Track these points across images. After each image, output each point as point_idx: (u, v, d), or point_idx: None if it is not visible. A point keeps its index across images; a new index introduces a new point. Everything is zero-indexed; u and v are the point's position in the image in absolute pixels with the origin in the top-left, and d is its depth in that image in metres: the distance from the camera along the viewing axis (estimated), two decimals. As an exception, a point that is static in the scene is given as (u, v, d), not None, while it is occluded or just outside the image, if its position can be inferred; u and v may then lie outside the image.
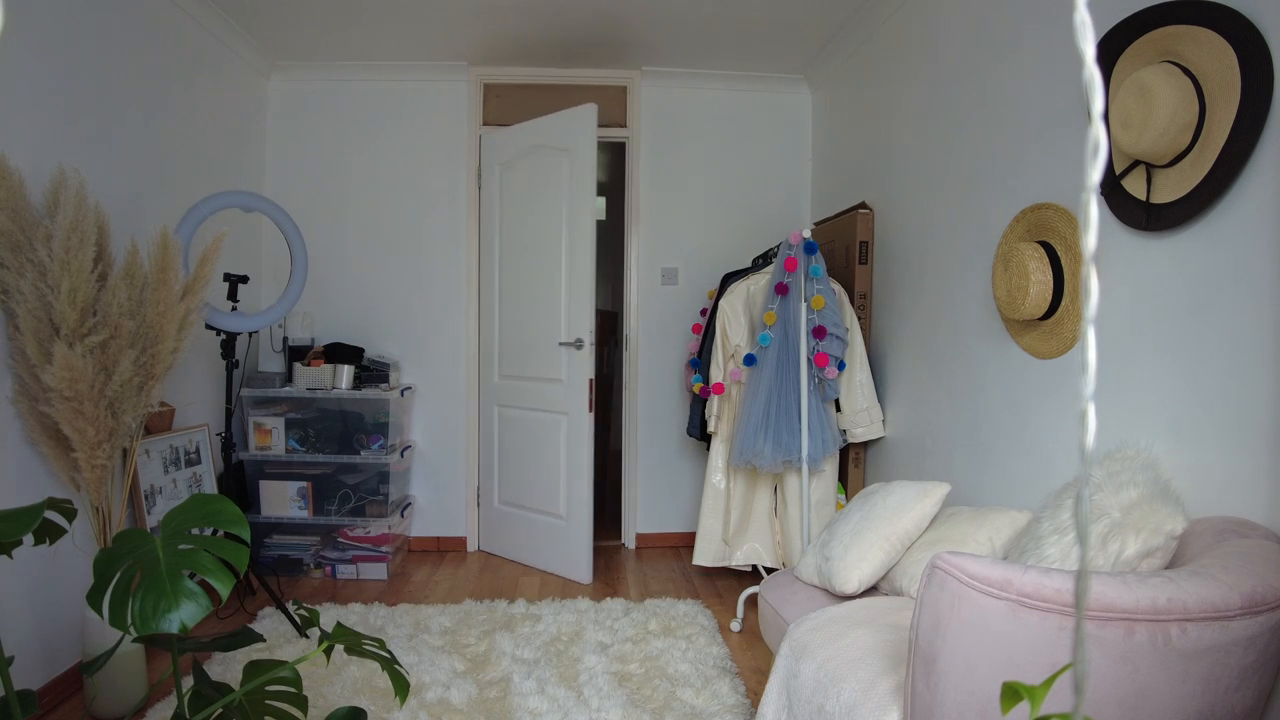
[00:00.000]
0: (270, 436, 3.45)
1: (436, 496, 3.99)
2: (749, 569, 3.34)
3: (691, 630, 2.81)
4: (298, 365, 3.52)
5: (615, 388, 4.79)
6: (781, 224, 4.00)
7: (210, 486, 3.17)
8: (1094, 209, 0.38)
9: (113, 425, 2.21)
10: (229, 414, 3.09)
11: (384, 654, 1.36)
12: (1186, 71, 1.53)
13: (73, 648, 2.35)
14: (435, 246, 3.97)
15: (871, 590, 2.10)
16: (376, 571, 3.52)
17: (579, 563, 3.48)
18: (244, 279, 3.08)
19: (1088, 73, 0.38)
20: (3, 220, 2.03)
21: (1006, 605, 1.14)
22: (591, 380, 3.46)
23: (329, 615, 2.90)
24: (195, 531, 1.27)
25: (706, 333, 3.42)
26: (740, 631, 2.91)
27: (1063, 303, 1.95)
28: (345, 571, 3.53)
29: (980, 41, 2.41)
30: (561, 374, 3.56)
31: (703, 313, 3.74)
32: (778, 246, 3.09)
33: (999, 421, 2.28)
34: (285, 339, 3.78)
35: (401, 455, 3.67)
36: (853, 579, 2.01)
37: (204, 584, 2.11)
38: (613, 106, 4.06)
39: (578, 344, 3.46)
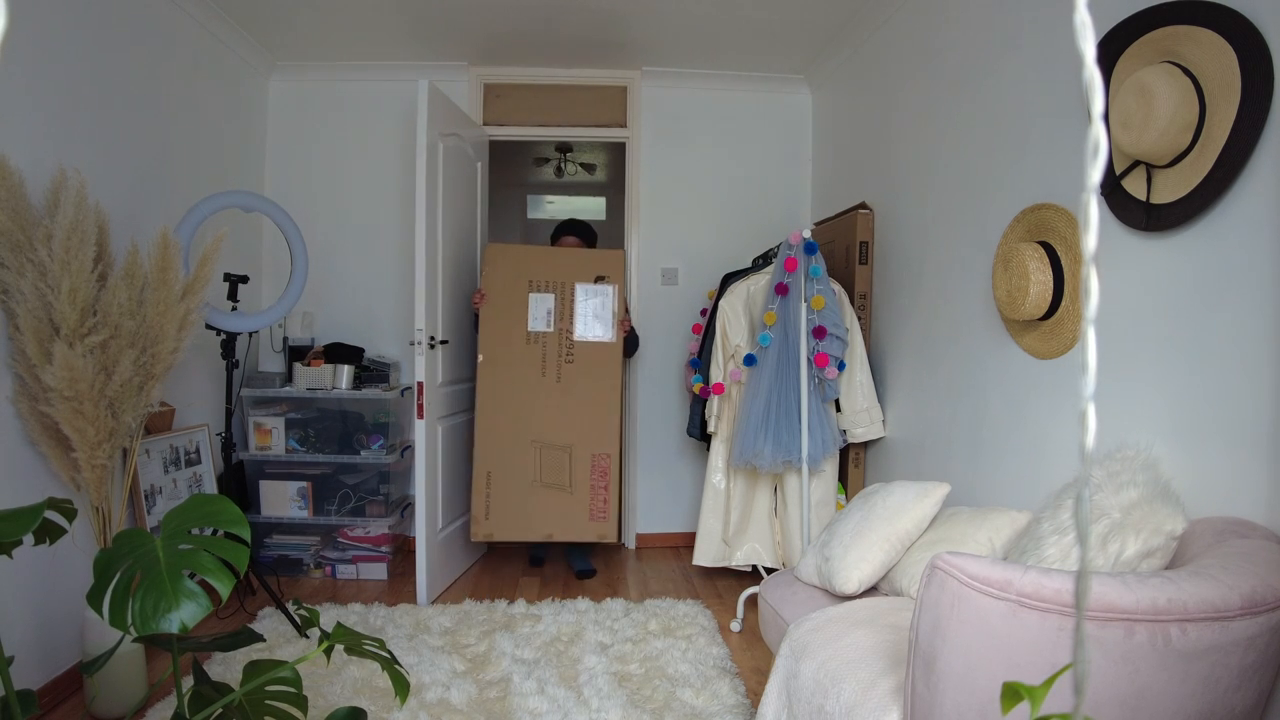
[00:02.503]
0: (270, 436, 3.45)
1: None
2: (749, 569, 3.34)
3: (691, 630, 2.81)
4: (298, 365, 3.52)
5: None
6: (781, 224, 4.00)
7: (210, 486, 3.17)
8: (1094, 209, 0.38)
9: (113, 425, 2.21)
10: (229, 414, 3.09)
11: (384, 654, 1.36)
12: (1187, 72, 1.53)
13: (73, 648, 2.35)
14: (435, 246, 3.96)
15: (871, 590, 2.10)
16: (376, 571, 3.52)
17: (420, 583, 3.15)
18: (244, 279, 3.08)
19: (1088, 73, 0.38)
20: (3, 220, 2.03)
21: (1006, 606, 1.14)
22: (420, 384, 3.09)
23: (329, 615, 2.90)
24: (195, 531, 1.27)
25: (706, 333, 3.42)
26: (740, 632, 2.91)
27: (1063, 303, 1.95)
28: (345, 571, 3.53)
29: (981, 41, 2.41)
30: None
31: (703, 313, 3.74)
32: (778, 247, 3.09)
33: (999, 421, 2.28)
34: (285, 339, 3.78)
35: (401, 455, 3.67)
36: (853, 579, 2.01)
37: (204, 584, 2.10)
38: (613, 106, 4.06)
39: (416, 343, 3.11)
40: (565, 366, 3.42)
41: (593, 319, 3.45)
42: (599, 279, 3.45)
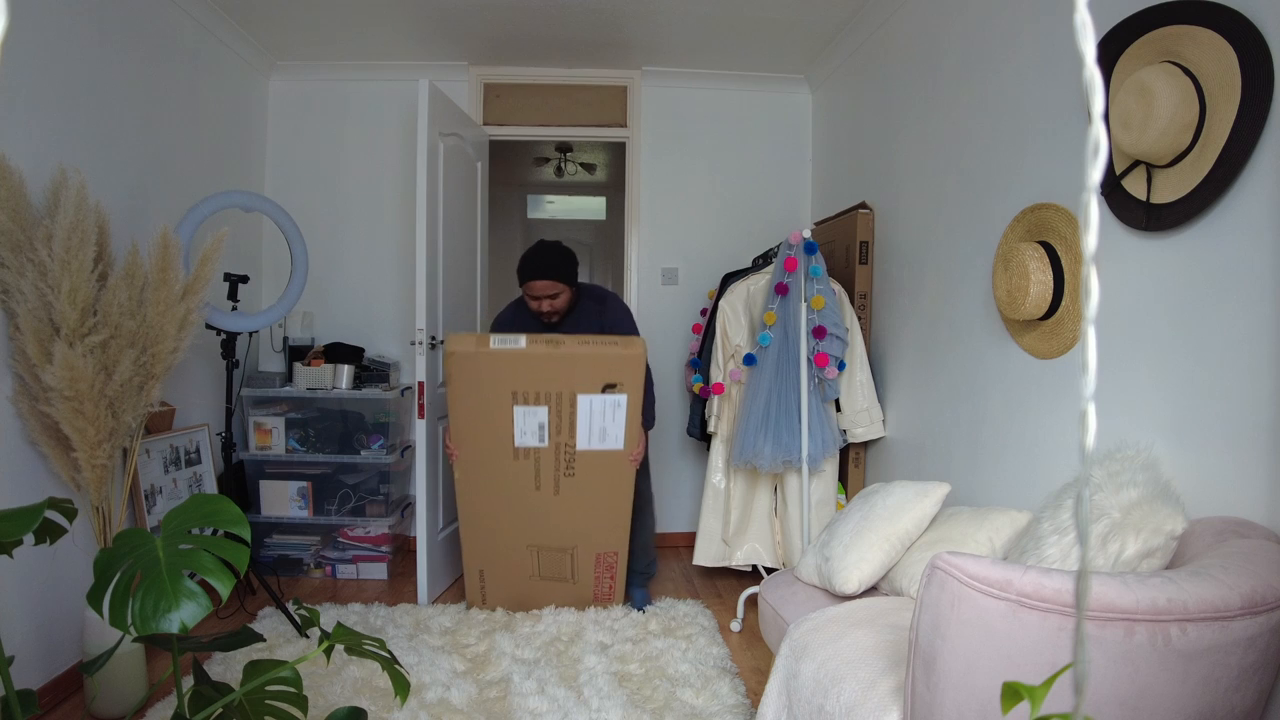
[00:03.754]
0: (270, 436, 3.45)
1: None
2: (749, 569, 3.34)
3: (691, 630, 2.81)
4: (298, 365, 3.52)
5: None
6: (781, 224, 4.00)
7: (210, 486, 3.17)
8: (1094, 209, 0.38)
9: (113, 425, 2.22)
10: (229, 414, 3.09)
11: (384, 654, 1.36)
12: (1187, 72, 1.53)
13: (73, 647, 2.35)
14: (435, 246, 3.96)
15: (871, 590, 2.10)
16: (376, 571, 3.52)
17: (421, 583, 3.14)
18: (244, 279, 3.08)
19: (1088, 73, 0.38)
20: (3, 220, 2.03)
21: (1006, 605, 1.14)
22: (420, 384, 3.05)
23: (329, 615, 2.90)
24: (195, 531, 1.27)
25: (706, 333, 3.42)
26: (740, 631, 2.91)
27: (1063, 303, 1.95)
28: (345, 571, 3.53)
29: (981, 41, 2.41)
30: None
31: (703, 313, 3.74)
32: (778, 246, 3.09)
33: (999, 421, 2.28)
34: (285, 339, 3.78)
35: (402, 455, 3.67)
36: (853, 579, 2.01)
37: (204, 584, 2.10)
38: (613, 106, 4.06)
39: (416, 343, 3.08)
40: (565, 479, 2.81)
41: (600, 430, 2.74)
42: (609, 388, 2.67)
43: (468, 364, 2.66)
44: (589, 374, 2.67)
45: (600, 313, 2.96)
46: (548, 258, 2.81)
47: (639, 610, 3.02)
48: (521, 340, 2.66)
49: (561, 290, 2.82)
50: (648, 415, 2.94)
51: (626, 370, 2.67)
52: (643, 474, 3.01)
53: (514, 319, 2.98)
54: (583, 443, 2.74)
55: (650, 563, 3.21)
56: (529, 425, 2.70)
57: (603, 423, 2.72)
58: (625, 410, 2.71)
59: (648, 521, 3.14)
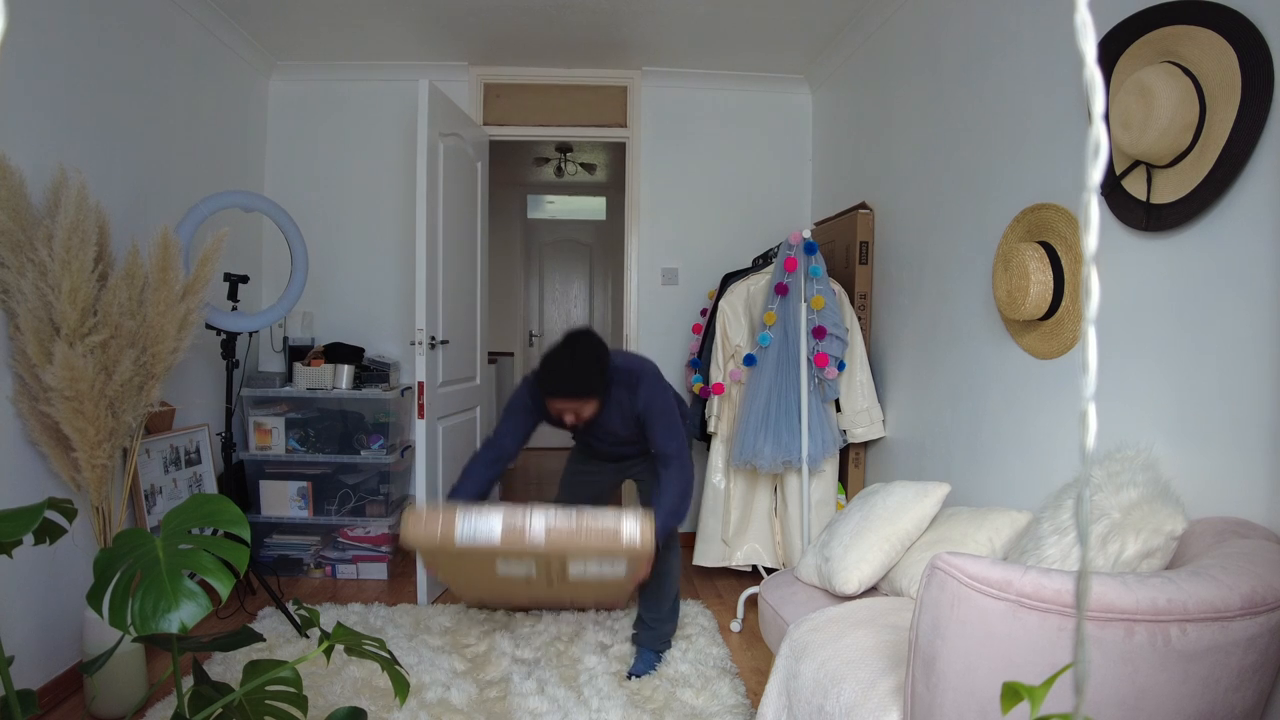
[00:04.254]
0: (270, 436, 3.45)
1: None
2: (749, 569, 3.34)
3: (691, 630, 2.81)
4: (298, 365, 3.52)
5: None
6: (781, 224, 4.00)
7: (210, 486, 3.17)
8: (1094, 209, 0.38)
9: (113, 425, 2.22)
10: (229, 414, 3.09)
11: (384, 654, 1.36)
12: (1187, 72, 1.53)
13: (73, 647, 2.35)
14: (435, 246, 3.96)
15: (871, 591, 2.10)
16: (376, 571, 3.52)
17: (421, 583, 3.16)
18: (244, 279, 3.08)
19: (1088, 73, 0.38)
20: (4, 220, 2.03)
21: (1006, 606, 1.14)
22: (420, 384, 3.09)
23: (329, 615, 2.90)
24: (195, 531, 1.27)
25: (707, 333, 3.43)
26: (740, 632, 2.91)
27: (1063, 303, 1.95)
28: (345, 571, 3.53)
29: (981, 41, 2.41)
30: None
31: (703, 313, 3.74)
32: (778, 247, 3.09)
33: (999, 422, 2.28)
34: (285, 339, 3.78)
35: (402, 455, 3.67)
36: (853, 579, 2.02)
37: (204, 584, 2.10)
38: (613, 106, 4.06)
39: (416, 343, 3.10)
40: (561, 583, 2.44)
41: (597, 572, 2.30)
42: (605, 555, 2.23)
43: (428, 557, 2.36)
44: (582, 548, 2.19)
45: (631, 402, 2.43)
46: (568, 375, 2.28)
47: (632, 676, 2.46)
48: (496, 528, 2.15)
49: (587, 403, 2.34)
50: (680, 510, 2.36)
51: (629, 557, 2.19)
52: (670, 542, 2.52)
53: (538, 401, 2.45)
54: (576, 574, 2.32)
55: (660, 618, 2.57)
56: (514, 569, 2.31)
57: (599, 570, 2.29)
58: (626, 564, 2.24)
59: (665, 562, 2.53)
